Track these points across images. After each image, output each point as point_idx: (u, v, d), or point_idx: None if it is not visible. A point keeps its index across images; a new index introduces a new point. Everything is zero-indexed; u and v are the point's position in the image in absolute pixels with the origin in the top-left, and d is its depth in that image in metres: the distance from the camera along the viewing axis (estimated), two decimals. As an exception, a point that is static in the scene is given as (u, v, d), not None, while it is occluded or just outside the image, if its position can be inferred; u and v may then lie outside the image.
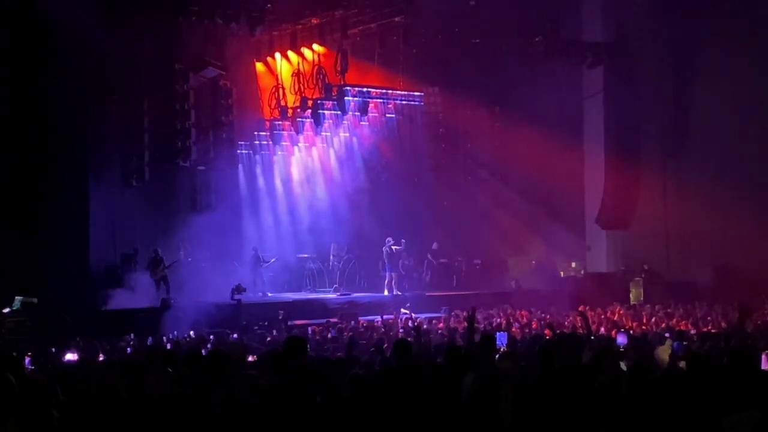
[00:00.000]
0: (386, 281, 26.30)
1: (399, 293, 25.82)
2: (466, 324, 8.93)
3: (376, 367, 8.69)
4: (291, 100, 27.34)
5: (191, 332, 17.88)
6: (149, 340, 16.77)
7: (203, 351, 11.07)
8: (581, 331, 14.80)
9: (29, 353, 11.55)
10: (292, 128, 27.46)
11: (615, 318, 19.22)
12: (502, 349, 10.18)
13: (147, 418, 5.96)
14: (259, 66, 28.03)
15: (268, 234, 27.80)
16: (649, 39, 28.43)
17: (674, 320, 18.36)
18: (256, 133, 27.69)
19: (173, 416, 5.95)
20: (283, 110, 27.27)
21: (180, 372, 7.51)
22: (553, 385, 6.65)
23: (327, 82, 26.24)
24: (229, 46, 25.75)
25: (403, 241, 26.44)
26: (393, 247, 26.29)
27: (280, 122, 27.57)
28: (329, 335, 17.00)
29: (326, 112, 26.69)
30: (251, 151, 27.79)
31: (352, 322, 20.12)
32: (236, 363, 8.51)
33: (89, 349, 14.50)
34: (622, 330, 11.19)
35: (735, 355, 6.82)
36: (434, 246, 28.73)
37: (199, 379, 7.11)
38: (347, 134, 28.74)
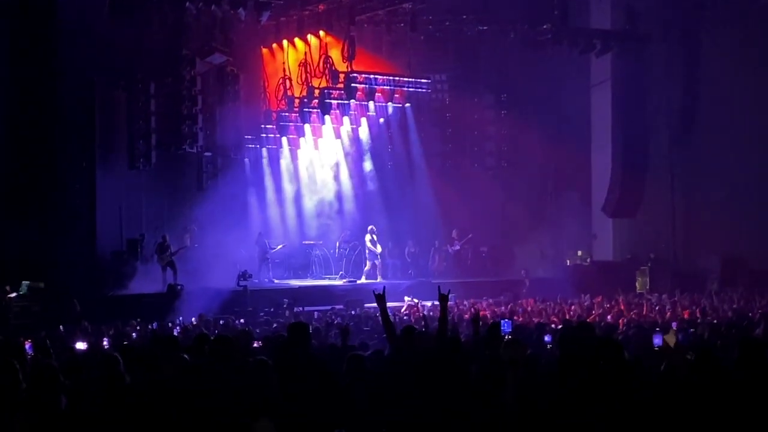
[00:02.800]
0: (367, 269, 26.37)
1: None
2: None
3: (385, 353, 8.68)
4: (297, 90, 27.32)
5: (193, 319, 17.89)
6: (154, 325, 16.81)
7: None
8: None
9: (29, 339, 11.52)
10: (299, 119, 27.41)
11: (622, 307, 19.20)
12: (506, 337, 10.15)
13: (153, 403, 5.97)
14: (266, 53, 27.98)
15: (274, 220, 27.83)
16: (657, 26, 28.31)
17: (680, 309, 18.33)
18: (263, 126, 27.66)
19: (180, 402, 5.96)
20: (290, 100, 27.24)
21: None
22: (565, 373, 6.63)
23: (334, 69, 26.22)
24: (235, 33, 25.70)
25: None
26: (375, 236, 26.31)
27: (287, 114, 27.52)
28: (334, 321, 17.01)
29: (333, 101, 26.64)
30: (257, 145, 27.77)
31: (357, 309, 20.15)
32: (241, 349, 8.52)
33: (96, 334, 14.55)
34: (658, 330, 11.09)
35: (745, 345, 6.78)
36: (454, 233, 28.74)
37: (205, 364, 7.12)
38: (354, 126, 28.72)
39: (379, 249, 26.53)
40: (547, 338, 10.34)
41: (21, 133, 21.14)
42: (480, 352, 8.50)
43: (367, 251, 26.46)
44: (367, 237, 26.34)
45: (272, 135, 27.83)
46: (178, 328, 16.43)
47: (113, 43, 22.39)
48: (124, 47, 23.00)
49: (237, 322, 17.37)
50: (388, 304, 8.97)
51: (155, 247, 23.54)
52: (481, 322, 14.98)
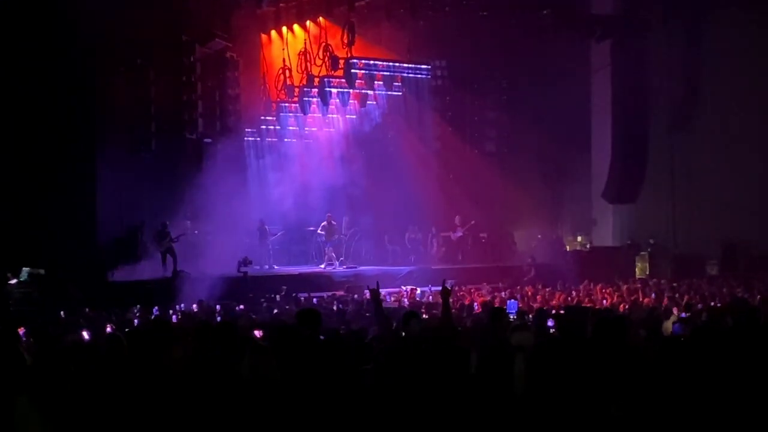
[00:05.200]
0: (327, 255, 26.26)
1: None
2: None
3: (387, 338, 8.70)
4: (297, 79, 27.29)
5: (194, 305, 17.90)
6: (155, 311, 16.82)
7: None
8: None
9: (21, 327, 11.48)
10: (299, 109, 27.35)
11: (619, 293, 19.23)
12: (512, 318, 10.18)
13: (160, 388, 5.99)
14: (266, 39, 27.91)
15: (274, 207, 27.81)
16: (658, 12, 28.24)
17: (679, 295, 18.35)
18: (263, 117, 27.64)
19: (188, 386, 5.99)
20: (290, 89, 27.20)
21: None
22: (567, 356, 6.65)
23: (334, 55, 26.18)
24: (235, 19, 25.65)
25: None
26: (333, 222, 26.23)
27: (287, 104, 27.47)
28: (334, 308, 17.05)
29: (333, 90, 26.59)
30: (257, 138, 27.75)
31: (356, 295, 20.18)
32: (244, 335, 8.55)
33: (97, 320, 14.57)
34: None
35: (746, 327, 6.82)
36: (457, 219, 28.75)
37: (209, 350, 7.15)
38: (354, 115, 28.70)
39: (319, 236, 26.39)
40: (549, 323, 10.30)
41: (21, 119, 21.10)
42: (482, 337, 8.52)
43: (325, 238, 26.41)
44: (324, 223, 26.28)
45: (272, 127, 27.82)
46: (177, 314, 16.44)
47: (113, 28, 22.32)
48: (123, 32, 22.94)
49: (237, 308, 17.40)
50: (389, 290, 9.07)
51: (154, 234, 23.56)
52: (481, 308, 15.09)
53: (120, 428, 5.60)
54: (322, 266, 26.10)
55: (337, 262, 26.25)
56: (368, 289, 8.69)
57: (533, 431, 6.14)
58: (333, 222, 26.28)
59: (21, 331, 10.17)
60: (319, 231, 26.41)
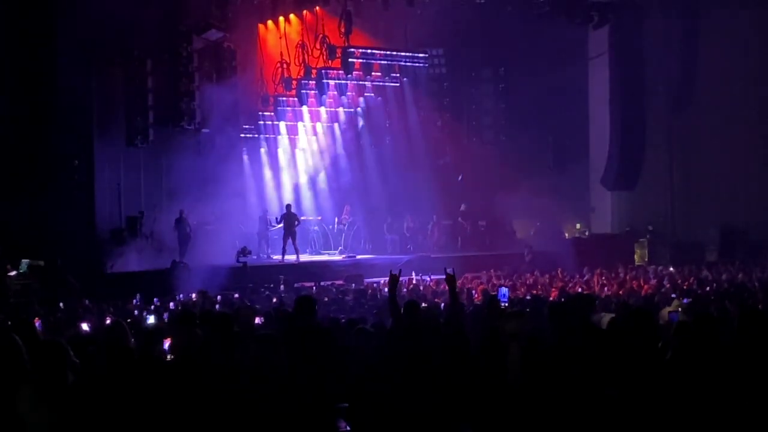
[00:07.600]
0: (284, 247, 25.27)
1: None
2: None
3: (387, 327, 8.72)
4: (295, 72, 27.26)
5: (192, 295, 17.89)
6: (155, 302, 16.83)
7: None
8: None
9: (38, 317, 11.53)
10: (297, 101, 27.31)
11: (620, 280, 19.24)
12: (503, 304, 10.17)
13: (162, 378, 6.00)
14: (263, 29, 27.87)
15: (272, 197, 27.83)
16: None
17: (679, 280, 18.38)
18: (260, 113, 27.59)
19: (190, 376, 6.00)
20: (287, 81, 27.16)
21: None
22: (563, 345, 6.66)
23: (331, 44, 26.15)
24: (232, 8, 25.59)
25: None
26: (292, 212, 25.86)
27: (284, 98, 27.43)
28: (330, 297, 17.06)
29: (330, 81, 26.53)
30: (255, 134, 27.70)
31: (353, 284, 20.18)
32: (244, 324, 8.56)
33: (97, 312, 14.58)
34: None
35: (748, 314, 6.82)
36: (462, 207, 28.75)
37: (210, 339, 7.17)
38: (351, 109, 28.67)
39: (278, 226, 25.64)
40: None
41: (19, 111, 21.05)
42: (478, 324, 8.54)
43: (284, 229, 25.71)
44: (283, 213, 25.76)
45: (270, 122, 27.80)
46: (172, 304, 16.42)
47: (110, 19, 22.23)
48: (120, 24, 22.87)
49: (237, 298, 17.41)
50: (383, 279, 9.07)
51: (174, 222, 23.63)
52: (480, 296, 15.12)
53: (124, 418, 5.62)
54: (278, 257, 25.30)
55: (290, 254, 26.01)
56: (390, 273, 8.67)
57: (528, 416, 6.16)
58: (293, 212, 25.72)
59: (37, 322, 10.15)
60: (276, 219, 25.99)
